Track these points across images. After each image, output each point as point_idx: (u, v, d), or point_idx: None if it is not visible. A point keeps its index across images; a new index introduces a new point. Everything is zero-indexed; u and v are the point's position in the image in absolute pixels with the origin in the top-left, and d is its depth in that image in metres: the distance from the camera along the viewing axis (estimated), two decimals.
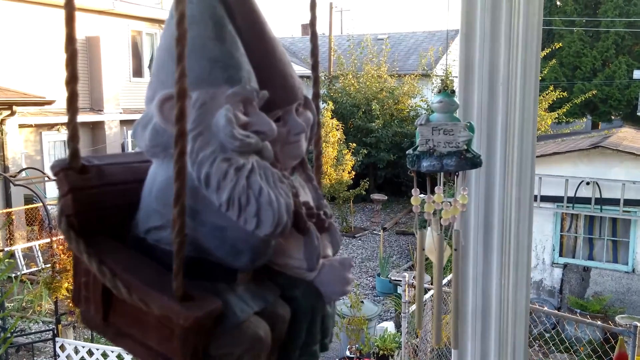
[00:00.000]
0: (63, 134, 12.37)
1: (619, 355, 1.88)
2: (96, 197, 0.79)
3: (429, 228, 1.65)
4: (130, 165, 0.88)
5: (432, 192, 1.55)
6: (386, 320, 8.08)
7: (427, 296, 5.34)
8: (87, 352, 5.58)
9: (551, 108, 16.01)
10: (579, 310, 7.24)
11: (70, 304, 6.05)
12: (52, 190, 10.78)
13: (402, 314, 5.77)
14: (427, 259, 1.61)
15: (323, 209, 0.98)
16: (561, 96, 15.69)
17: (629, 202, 8.02)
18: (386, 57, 16.58)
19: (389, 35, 20.63)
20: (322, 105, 15.49)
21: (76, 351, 5.66)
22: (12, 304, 8.20)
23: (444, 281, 4.49)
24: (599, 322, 5.31)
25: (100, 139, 13.76)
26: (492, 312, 2.05)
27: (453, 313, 1.64)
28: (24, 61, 11.88)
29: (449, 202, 1.59)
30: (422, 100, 16.16)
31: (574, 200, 8.31)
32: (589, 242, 8.64)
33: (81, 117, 13.14)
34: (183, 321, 0.69)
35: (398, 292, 7.90)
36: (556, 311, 7.02)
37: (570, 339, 6.73)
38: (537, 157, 8.71)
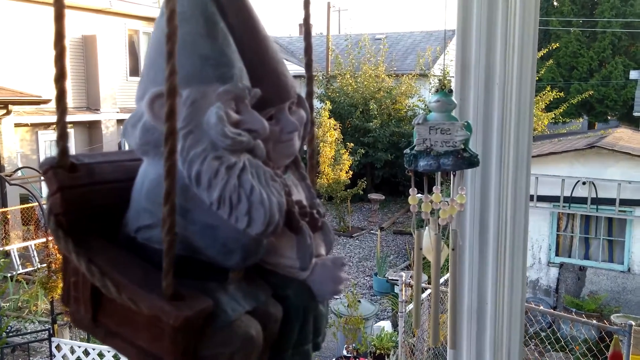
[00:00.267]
0: None
1: (614, 354, 1.88)
2: (86, 196, 0.79)
3: (426, 228, 1.65)
4: (122, 164, 0.87)
5: (430, 192, 1.55)
6: (383, 319, 8.07)
7: (424, 295, 5.34)
8: (83, 352, 5.56)
9: (548, 108, 16.04)
10: (574, 310, 7.26)
11: None
12: None
13: (399, 313, 5.77)
14: (424, 258, 1.61)
15: (316, 208, 0.97)
16: (558, 96, 15.71)
17: (624, 202, 8.04)
18: (384, 57, 16.58)
19: (387, 35, 20.62)
20: (319, 104, 15.49)
21: (72, 351, 5.64)
22: (7, 304, 8.17)
23: (441, 280, 4.49)
24: (594, 321, 5.31)
25: (97, 138, 13.72)
26: (488, 311, 2.05)
27: (450, 313, 1.64)
28: (20, 60, 11.84)
29: (447, 201, 1.59)
30: (419, 100, 16.16)
31: (570, 200, 8.32)
32: (585, 242, 8.66)
33: (78, 117, 13.01)
34: (173, 321, 0.69)
35: (395, 291, 7.90)
36: (552, 310, 7.04)
37: (565, 338, 6.74)
38: (534, 157, 8.77)
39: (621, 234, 8.39)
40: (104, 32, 13.73)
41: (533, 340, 6.50)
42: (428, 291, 5.13)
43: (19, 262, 9.36)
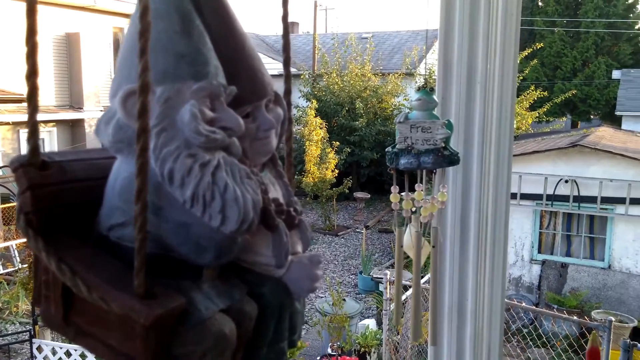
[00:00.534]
0: (41, 131, 12.18)
1: (591, 349, 1.91)
2: (57, 194, 0.78)
3: (408, 225, 1.65)
4: (95, 162, 0.86)
5: (412, 190, 1.56)
6: (368, 317, 8.10)
7: (408, 293, 5.37)
8: (65, 353, 5.49)
9: (532, 107, 16.18)
10: (556, 306, 7.34)
11: None
12: None
13: (383, 311, 5.80)
14: (408, 256, 1.61)
15: (293, 206, 0.97)
16: (542, 96, 15.86)
17: (606, 200, 8.15)
18: (370, 56, 16.60)
19: (373, 34, 20.66)
20: (306, 103, 15.47)
21: (54, 352, 5.57)
22: None
23: (425, 279, 4.51)
24: (575, 318, 5.38)
25: (80, 137, 13.57)
26: (468, 307, 2.07)
27: (431, 310, 1.65)
28: (2, 58, 11.67)
29: (428, 199, 1.59)
30: (405, 99, 16.21)
31: (553, 198, 8.42)
32: (567, 239, 8.77)
33: (60, 115, 12.85)
34: (144, 319, 0.68)
35: (380, 289, 7.92)
36: (534, 307, 7.12)
37: (547, 334, 6.82)
38: (518, 155, 8.78)
39: (602, 232, 8.50)
40: (88, 29, 13.58)
41: (515, 336, 6.56)
42: (408, 292, 5.16)
43: None
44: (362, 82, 15.99)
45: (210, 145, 0.77)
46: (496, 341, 2.09)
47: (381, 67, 17.09)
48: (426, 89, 1.59)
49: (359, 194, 14.23)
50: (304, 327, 8.33)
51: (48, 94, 12.78)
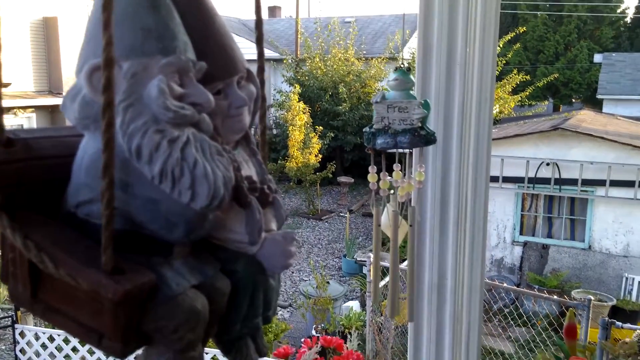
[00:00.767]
0: (20, 117, 11.99)
1: (569, 325, 1.95)
2: (23, 171, 0.77)
3: (386, 205, 1.67)
4: (63, 139, 0.85)
5: (390, 170, 1.56)
6: (352, 299, 8.17)
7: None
8: (48, 338, 5.46)
9: (514, 91, 16.27)
10: (537, 286, 7.46)
11: None
12: None
13: (367, 293, 5.85)
14: (387, 239, 1.62)
15: (267, 184, 0.97)
16: (524, 79, 15.95)
17: (586, 182, 8.26)
18: (353, 40, 16.52)
19: (356, 18, 20.52)
20: (289, 88, 15.38)
21: (37, 337, 5.53)
22: None
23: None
24: (555, 297, 5.48)
25: (60, 122, 13.36)
26: (448, 286, 2.09)
27: (409, 287, 1.67)
28: None
29: (405, 179, 1.60)
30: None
31: (535, 181, 8.52)
32: (548, 221, 8.89)
33: (39, 101, 12.62)
34: (112, 295, 0.68)
35: (363, 272, 7.99)
36: (515, 287, 7.22)
37: (528, 314, 6.94)
38: (500, 139, 8.81)
39: (583, 213, 8.63)
40: (65, 13, 13.31)
41: (497, 316, 6.67)
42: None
43: None
44: (346, 67, 15.93)
45: (178, 121, 0.76)
46: (476, 320, 2.12)
47: (364, 52, 17.03)
48: (403, 69, 1.59)
49: (342, 179, 14.26)
50: (288, 309, 8.38)
51: (26, 79, 12.55)
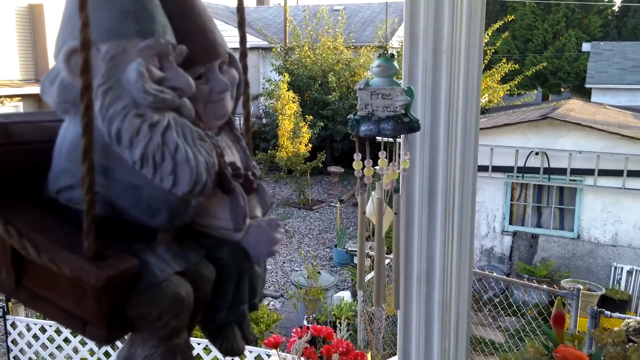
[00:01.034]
0: (7, 106, 11.85)
1: (556, 314, 1.96)
2: (2, 157, 0.75)
3: (371, 193, 1.67)
4: (43, 124, 0.84)
5: (375, 158, 1.56)
6: (343, 289, 8.20)
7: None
8: (39, 329, 5.45)
9: (503, 80, 16.32)
10: (527, 276, 7.54)
11: None
12: None
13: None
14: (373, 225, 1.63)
15: (251, 170, 0.96)
16: (513, 68, 16.01)
17: (575, 171, 8.33)
18: (342, 29, 16.46)
19: (345, 6, 20.44)
20: (278, 77, 15.31)
21: (28, 328, 5.52)
22: None
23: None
24: (544, 286, 5.54)
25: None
26: (436, 275, 2.10)
27: (395, 274, 1.68)
28: None
29: (389, 167, 1.60)
30: None
31: (524, 170, 8.57)
32: (537, 211, 8.96)
33: (26, 89, 12.50)
34: (94, 280, 0.67)
35: (354, 262, 8.02)
36: (505, 277, 7.29)
37: (517, 303, 7.01)
38: (489, 128, 8.86)
39: (572, 203, 8.71)
40: (51, 0, 13.14)
41: (487, 305, 6.74)
42: (386, 261, 5.22)
43: None
44: (335, 56, 15.88)
45: (159, 105, 0.75)
46: (465, 309, 2.13)
47: (353, 40, 16.97)
48: (386, 56, 1.58)
49: (332, 168, 14.27)
50: (280, 300, 8.40)
51: (12, 68, 12.40)
